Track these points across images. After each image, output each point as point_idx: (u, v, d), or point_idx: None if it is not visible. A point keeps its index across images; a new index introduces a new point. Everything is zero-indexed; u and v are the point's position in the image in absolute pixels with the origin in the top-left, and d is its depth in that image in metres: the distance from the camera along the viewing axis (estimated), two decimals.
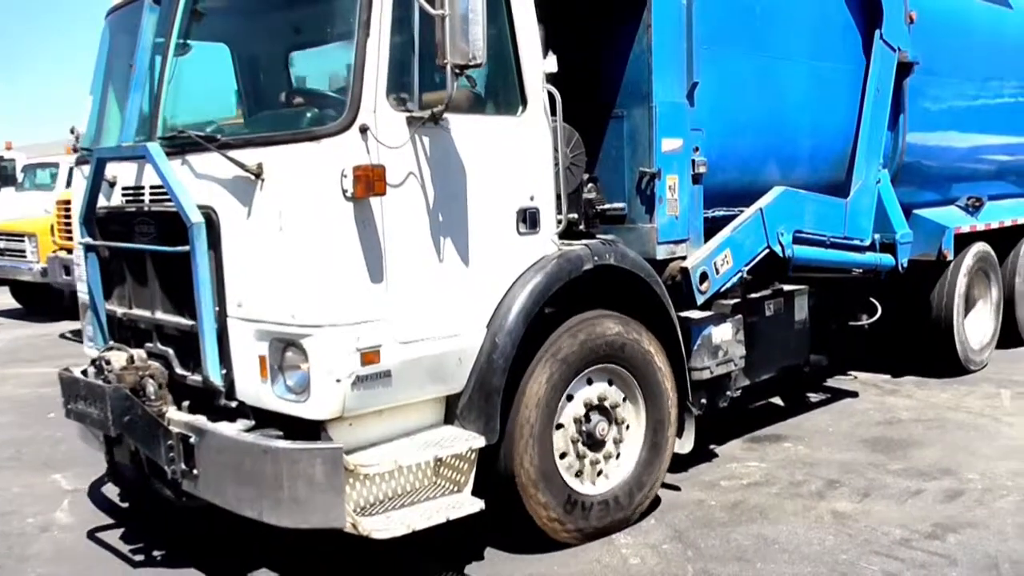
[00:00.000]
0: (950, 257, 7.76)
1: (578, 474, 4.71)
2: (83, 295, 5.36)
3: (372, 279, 3.86)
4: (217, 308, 4.11)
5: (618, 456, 4.88)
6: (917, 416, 6.91)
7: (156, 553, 4.76)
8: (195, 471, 4.15)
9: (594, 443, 4.75)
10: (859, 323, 7.36)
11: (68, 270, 11.01)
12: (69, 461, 6.39)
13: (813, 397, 7.53)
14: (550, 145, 4.54)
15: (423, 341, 4.06)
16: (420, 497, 4.13)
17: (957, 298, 7.99)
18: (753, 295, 6.02)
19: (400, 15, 3.89)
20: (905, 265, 7.07)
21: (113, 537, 5.02)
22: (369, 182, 3.74)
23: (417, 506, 4.07)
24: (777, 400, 7.37)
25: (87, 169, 5.05)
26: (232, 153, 3.92)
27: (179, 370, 4.42)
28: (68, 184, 15.43)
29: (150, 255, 4.50)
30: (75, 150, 5.44)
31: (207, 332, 4.10)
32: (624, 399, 4.89)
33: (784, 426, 6.73)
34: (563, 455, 4.64)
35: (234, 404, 4.15)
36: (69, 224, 11.02)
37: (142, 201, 4.54)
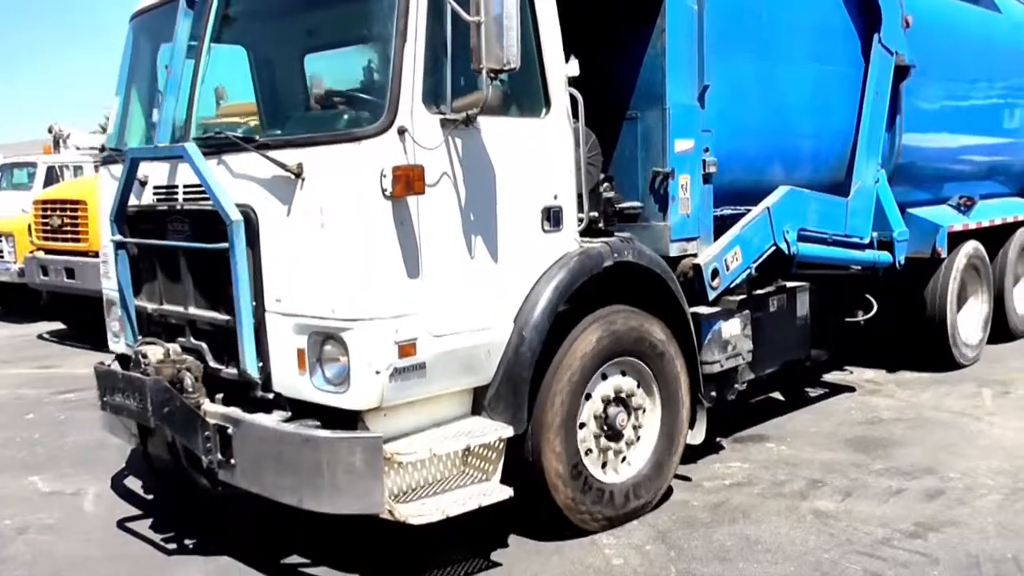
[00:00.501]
0: (944, 255, 7.99)
1: (602, 464, 4.88)
2: (110, 292, 5.51)
3: (409, 274, 4.02)
4: (255, 303, 4.25)
5: (636, 447, 5.06)
6: (899, 416, 6.95)
7: (188, 542, 4.89)
8: (232, 461, 4.29)
9: (614, 433, 4.92)
10: (855, 319, 7.57)
11: (45, 270, 11.01)
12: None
13: (812, 392, 7.72)
14: (572, 146, 4.71)
15: (455, 334, 4.22)
16: (451, 485, 4.28)
17: (950, 295, 8.21)
18: (758, 291, 6.19)
19: (433, 21, 4.04)
20: (902, 262, 7.29)
21: (143, 526, 5.15)
22: (408, 181, 3.90)
23: (449, 493, 4.23)
24: (777, 395, 7.55)
25: (115, 168, 5.21)
26: (271, 153, 4.07)
27: (212, 363, 4.56)
28: (46, 184, 15.41)
29: (184, 252, 4.63)
30: (103, 149, 5.55)
31: (245, 327, 4.24)
32: (640, 391, 5.06)
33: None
34: (585, 446, 4.81)
35: (271, 396, 4.29)
36: (47, 224, 11.04)
37: (175, 200, 4.67)
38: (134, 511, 5.40)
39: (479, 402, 4.50)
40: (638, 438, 5.06)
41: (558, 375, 4.59)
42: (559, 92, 4.61)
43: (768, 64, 6.06)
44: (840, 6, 6.75)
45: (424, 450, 4.11)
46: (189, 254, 4.62)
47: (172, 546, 4.86)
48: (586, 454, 4.79)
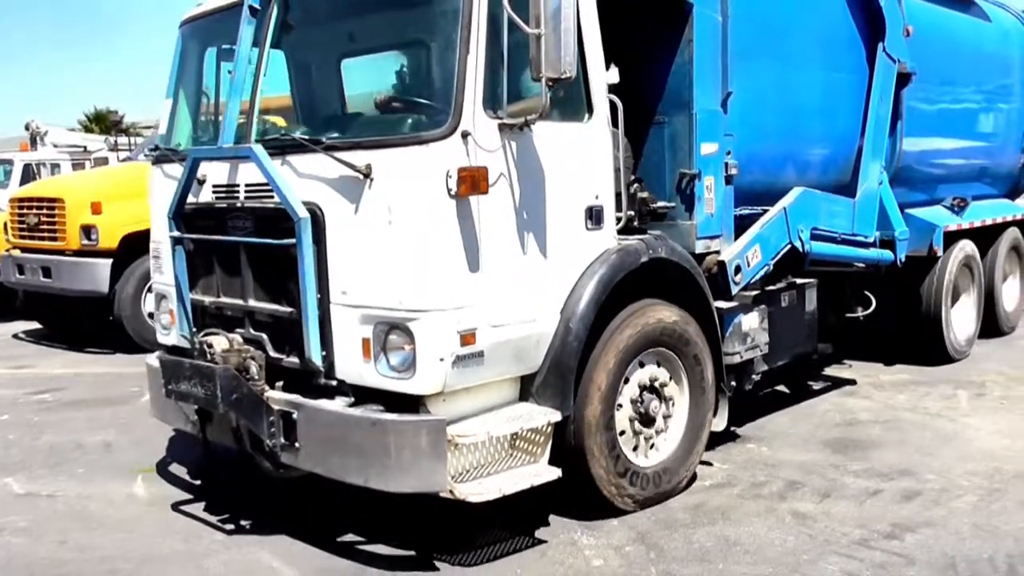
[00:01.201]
0: (940, 253, 8.38)
1: (634, 448, 5.20)
2: (161, 287, 5.76)
3: (470, 268, 4.31)
4: (319, 296, 4.52)
5: (666, 432, 5.37)
6: (876, 417, 7.01)
7: (244, 523, 5.15)
8: (296, 444, 4.56)
9: (647, 420, 5.23)
10: (855, 315, 7.92)
11: (21, 269, 10.96)
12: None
13: (815, 385, 8.07)
14: (611, 149, 5.01)
15: (509, 325, 4.52)
16: (502, 466, 4.58)
17: (946, 292, 8.61)
18: (770, 287, 6.52)
19: (492, 32, 4.33)
20: (903, 260, 7.67)
21: (196, 508, 5.40)
22: (474, 182, 4.20)
23: (502, 474, 4.53)
24: (783, 388, 7.89)
25: (168, 167, 5.47)
26: (340, 155, 4.34)
27: (273, 353, 4.82)
28: (23, 181, 15.41)
29: (245, 247, 4.89)
30: (155, 149, 5.78)
31: (310, 318, 4.51)
32: (670, 380, 5.38)
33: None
34: (621, 431, 5.11)
35: (334, 383, 4.56)
36: (23, 222, 11.01)
37: (235, 198, 4.93)
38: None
39: (526, 389, 4.79)
40: (667, 425, 5.38)
41: (599, 364, 4.89)
42: (601, 98, 4.91)
43: (784, 71, 6.40)
44: (848, 17, 7.10)
45: (482, 433, 4.40)
46: (250, 249, 4.87)
47: (230, 526, 5.11)
48: (621, 436, 5.09)
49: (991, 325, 9.74)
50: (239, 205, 4.92)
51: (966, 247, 9.00)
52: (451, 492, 4.33)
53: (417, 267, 4.25)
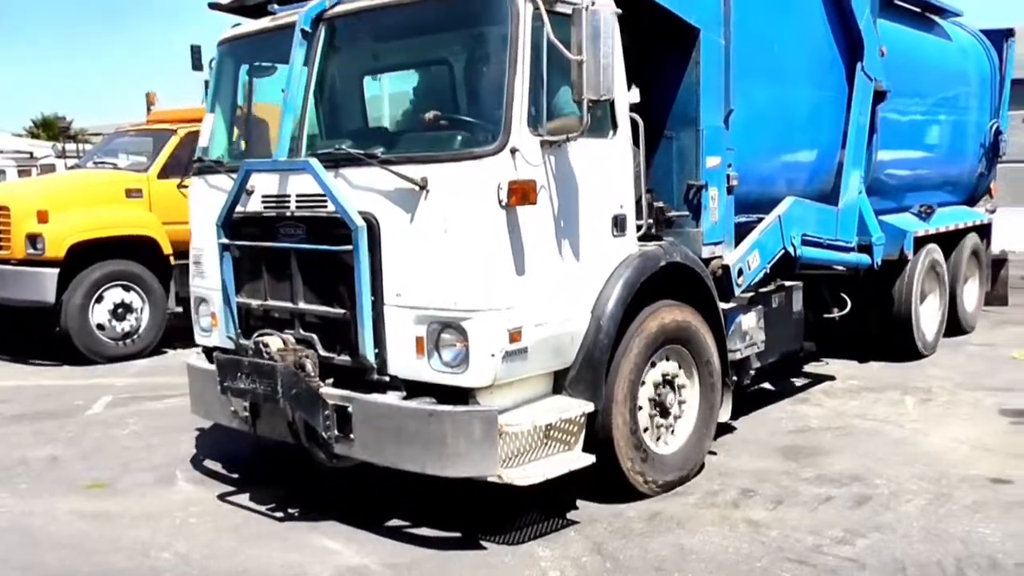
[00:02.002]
0: (910, 257, 8.99)
1: (656, 438, 5.65)
2: (201, 291, 6.11)
3: (517, 272, 4.74)
4: (373, 298, 4.91)
5: (679, 422, 5.83)
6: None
7: (292, 511, 5.50)
8: (351, 435, 4.94)
9: (663, 410, 5.70)
10: (832, 315, 8.48)
11: None
12: None
13: (797, 382, 8.61)
14: (632, 162, 5.47)
15: (549, 323, 4.95)
16: (540, 454, 4.99)
17: (915, 293, 9.24)
18: (763, 290, 7.03)
19: (535, 58, 4.76)
20: (880, 263, 8.25)
21: (246, 499, 5.75)
22: (524, 193, 4.63)
23: (542, 460, 4.95)
24: (767, 385, 8.41)
25: (211, 178, 5.83)
26: (396, 168, 4.74)
27: (323, 352, 5.19)
28: None
29: (295, 253, 5.25)
30: (199, 160, 6.11)
31: (365, 318, 4.90)
32: (682, 374, 5.85)
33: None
34: (643, 423, 5.56)
35: (387, 379, 4.95)
36: None
37: (286, 207, 5.29)
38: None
39: (559, 383, 5.22)
40: (681, 415, 5.84)
41: (624, 360, 5.34)
42: (624, 117, 5.37)
43: (777, 90, 6.92)
44: (830, 39, 7.65)
45: (528, 422, 4.83)
46: (301, 255, 5.24)
47: (279, 514, 5.47)
48: (642, 426, 5.54)
49: (953, 324, 10.41)
50: (289, 214, 5.28)
51: (932, 251, 9.64)
52: (499, 477, 4.74)
53: (471, 271, 4.66)
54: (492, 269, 4.67)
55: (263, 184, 5.42)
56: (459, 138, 4.92)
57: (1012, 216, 13.29)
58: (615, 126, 5.33)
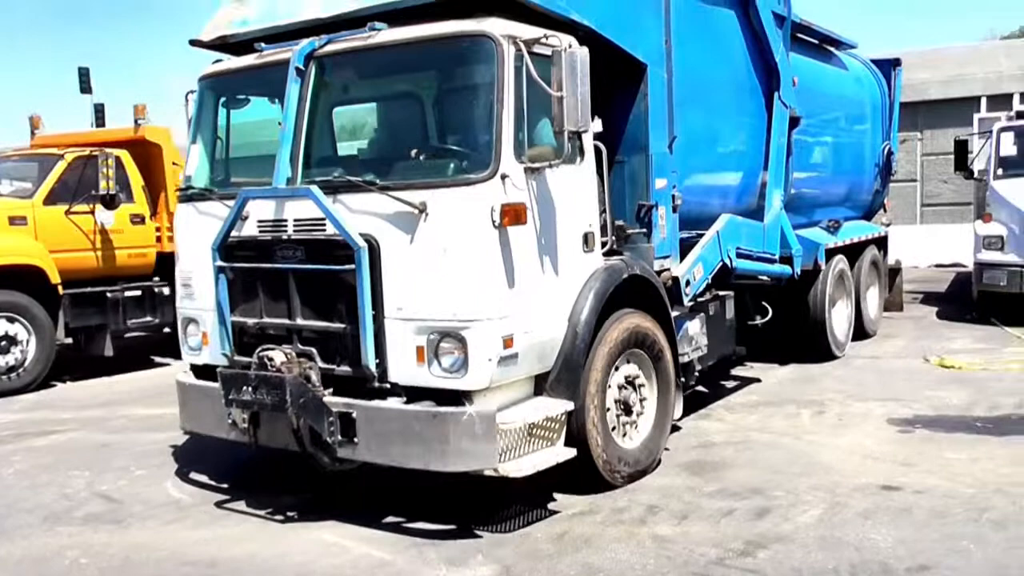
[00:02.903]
0: (823, 267, 9.88)
1: (622, 435, 6.24)
2: (192, 312, 6.44)
3: (508, 285, 5.28)
4: (374, 312, 5.37)
5: (640, 420, 6.44)
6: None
7: (290, 513, 5.89)
8: (355, 439, 5.38)
9: (627, 409, 6.30)
10: (755, 322, 9.27)
11: None
12: None
13: (727, 384, 9.36)
14: (596, 185, 6.08)
15: (535, 331, 5.50)
16: (526, 449, 5.50)
17: (827, 300, 10.13)
18: (701, 299, 7.73)
19: (518, 94, 5.33)
20: (799, 273, 9.09)
21: (243, 506, 6.11)
22: (516, 215, 5.19)
23: (531, 455, 5.48)
24: (702, 388, 9.12)
25: (201, 205, 6.21)
26: (396, 194, 5.23)
27: (322, 364, 5.62)
28: None
29: (293, 273, 5.67)
30: (186, 189, 6.46)
31: (366, 331, 5.35)
32: (642, 376, 6.46)
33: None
34: (610, 420, 6.14)
35: (388, 386, 5.41)
36: None
37: (283, 231, 5.71)
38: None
39: (539, 386, 5.77)
40: (643, 412, 6.45)
41: (595, 363, 5.91)
42: (589, 145, 5.98)
43: (709, 117, 7.68)
44: (751, 70, 8.46)
45: (519, 420, 5.36)
46: (299, 275, 5.66)
47: (279, 517, 5.85)
48: (611, 427, 6.13)
49: (859, 329, 11.38)
50: (286, 238, 5.70)
51: (840, 262, 10.58)
52: (495, 470, 5.25)
53: (468, 285, 5.18)
54: (487, 283, 5.20)
55: (258, 210, 5.82)
56: (452, 166, 5.44)
57: (895, 232, 14.47)
58: (582, 153, 5.92)
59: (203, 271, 6.18)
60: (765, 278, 8.81)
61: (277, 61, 5.88)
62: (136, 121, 12.11)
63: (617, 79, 6.66)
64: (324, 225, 5.48)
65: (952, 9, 75.13)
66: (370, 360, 5.38)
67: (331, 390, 5.57)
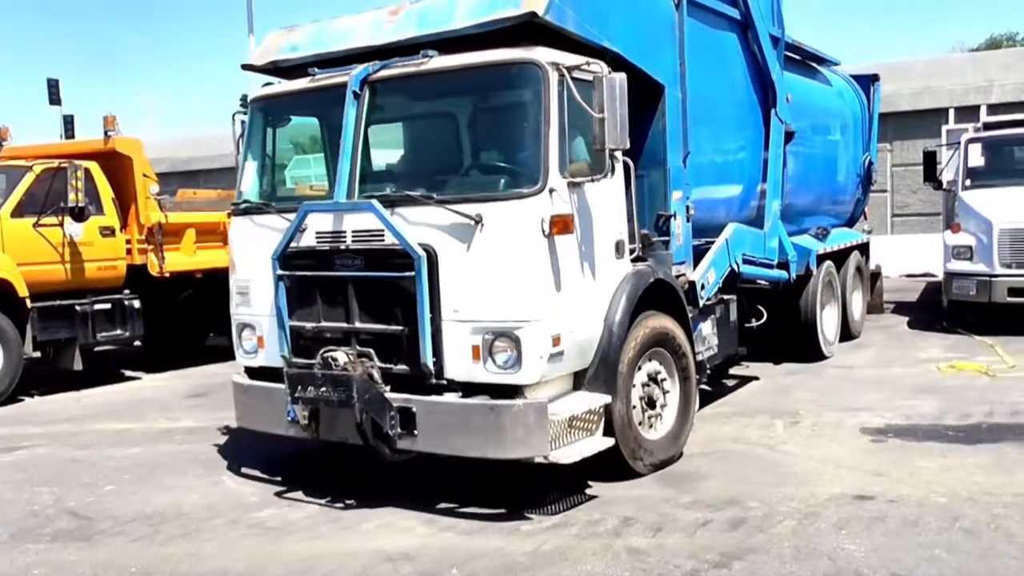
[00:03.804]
0: (814, 272, 10.53)
1: (649, 427, 6.79)
2: (247, 318, 6.91)
3: (556, 288, 5.82)
4: (431, 315, 5.88)
5: (664, 413, 6.98)
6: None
7: (348, 501, 6.36)
8: (414, 432, 5.88)
9: (651, 403, 6.84)
10: (751, 324, 9.89)
11: None
12: None
13: (728, 383, 9.95)
14: (624, 197, 6.64)
15: (578, 330, 6.04)
16: (571, 439, 6.02)
17: (818, 303, 10.79)
18: (709, 302, 8.32)
19: (561, 114, 5.88)
20: (795, 278, 9.72)
21: (300, 495, 6.59)
22: (565, 225, 5.75)
23: (574, 444, 6.00)
24: (705, 386, 9.67)
25: (258, 218, 6.69)
26: (453, 207, 5.75)
27: (379, 363, 6.11)
28: None
29: (352, 280, 6.16)
30: (240, 203, 6.93)
31: (425, 332, 5.86)
32: (665, 373, 7.01)
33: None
34: (637, 413, 6.69)
35: (444, 382, 5.92)
36: None
37: (341, 242, 6.19)
38: None
39: (577, 382, 6.30)
40: (666, 405, 7.00)
41: (625, 360, 6.45)
42: (619, 160, 6.53)
43: (716, 133, 8.29)
44: (751, 88, 9.10)
45: (566, 412, 5.89)
46: (357, 281, 6.15)
47: (339, 505, 6.32)
48: (639, 421, 6.66)
49: (845, 330, 12.06)
50: (344, 248, 6.19)
51: (829, 267, 11.26)
52: (545, 457, 5.78)
53: (521, 289, 5.71)
54: (538, 287, 5.73)
55: (317, 222, 6.31)
56: (503, 181, 5.97)
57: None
58: (613, 168, 6.47)
59: (260, 279, 6.66)
60: (764, 282, 9.43)
61: (332, 85, 6.38)
62: (106, 133, 11.90)
63: (639, 99, 7.21)
64: (382, 236, 5.98)
65: (920, 21, 77.19)
66: (428, 359, 5.89)
67: (388, 387, 6.07)
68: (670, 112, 7.31)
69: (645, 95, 7.23)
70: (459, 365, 5.90)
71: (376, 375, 5.99)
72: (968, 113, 19.55)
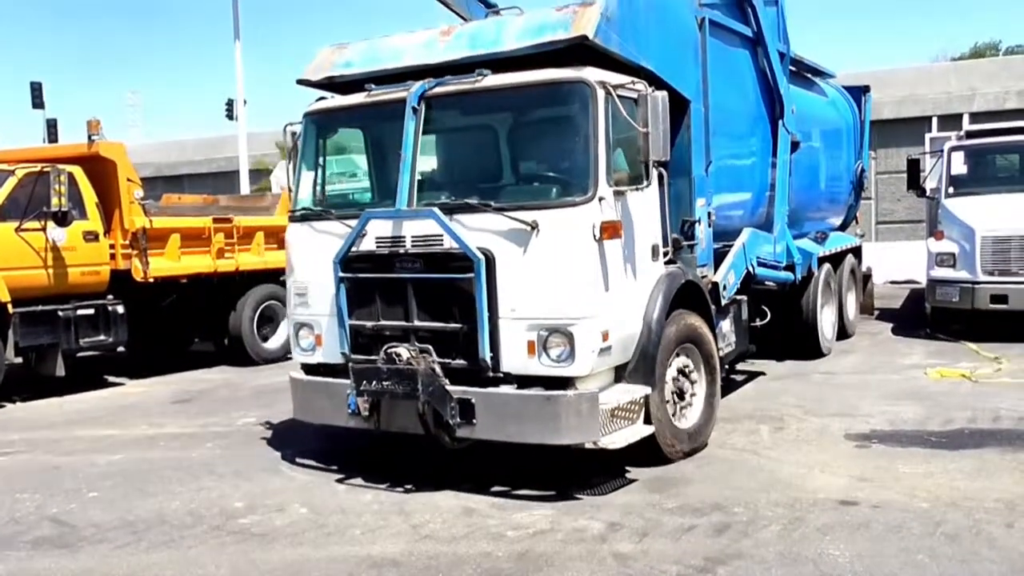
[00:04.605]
0: (815, 273, 11.14)
1: (678, 417, 7.33)
2: (305, 317, 7.37)
3: (605, 288, 6.36)
4: (489, 313, 6.38)
5: (692, 403, 7.53)
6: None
7: (407, 485, 6.83)
8: (473, 421, 6.39)
9: (681, 395, 7.40)
10: (755, 324, 10.46)
11: None
12: None
13: (737, 378, 10.53)
14: (659, 205, 7.19)
15: (622, 327, 6.58)
16: (615, 427, 6.55)
17: (818, 303, 11.42)
18: (726, 303, 8.88)
19: (606, 129, 6.41)
20: (799, 279, 10.33)
21: (360, 481, 7.05)
22: (615, 230, 6.28)
23: (619, 431, 6.53)
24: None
25: (317, 224, 7.16)
26: (510, 214, 6.27)
27: (438, 359, 6.61)
28: None
29: (411, 281, 6.65)
30: (296, 210, 7.40)
31: (483, 329, 6.36)
32: (693, 367, 7.56)
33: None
34: (669, 405, 7.23)
35: (501, 375, 6.43)
36: None
37: (400, 246, 6.68)
38: None
39: (618, 375, 6.83)
40: (695, 396, 7.55)
41: (660, 354, 7.00)
42: (654, 171, 7.06)
43: (734, 143, 8.87)
44: (760, 101, 9.69)
45: (613, 402, 6.42)
46: (417, 283, 6.64)
47: (399, 488, 6.79)
48: (671, 413, 7.21)
49: (840, 329, 12.69)
50: (403, 251, 6.68)
51: (827, 269, 11.88)
52: (595, 443, 6.31)
53: (574, 288, 6.23)
54: (590, 287, 6.27)
55: (376, 228, 6.79)
56: (556, 190, 6.50)
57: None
58: (649, 178, 7.00)
59: (319, 281, 7.13)
60: (771, 284, 10.02)
61: (390, 100, 6.88)
62: (90, 137, 11.78)
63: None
64: (441, 240, 6.48)
65: (904, 31, 78.49)
66: (486, 353, 6.40)
67: (447, 380, 6.57)
68: (695, 125, 7.87)
69: (672, 109, 7.75)
70: (515, 359, 6.41)
71: (438, 368, 6.48)
72: (951, 121, 20.04)
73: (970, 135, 14.42)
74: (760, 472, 6.90)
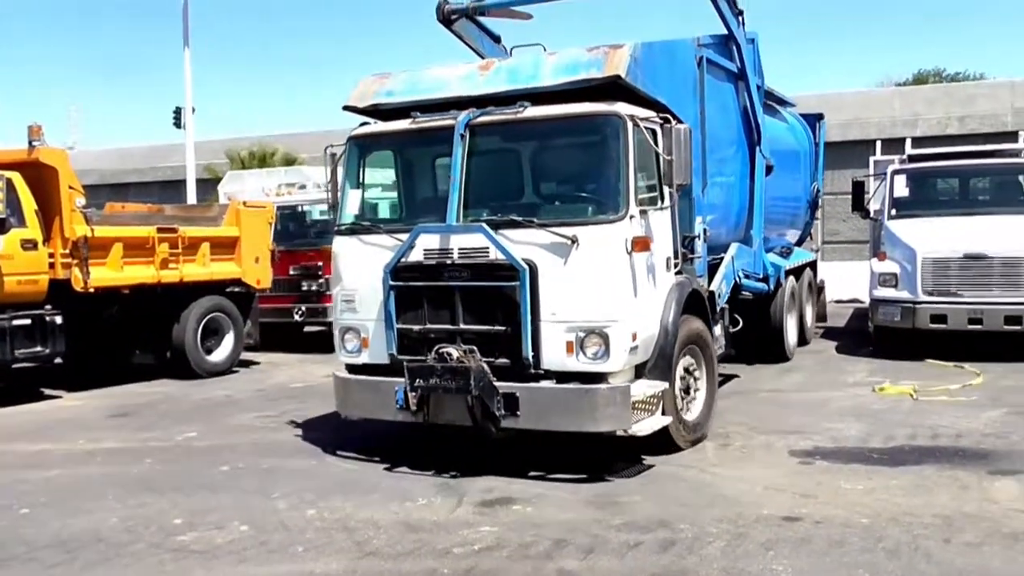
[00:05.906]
0: (783, 285, 12.25)
1: (685, 410, 8.28)
2: (352, 322, 8.12)
3: (634, 295, 7.28)
4: (531, 317, 7.24)
5: (696, 397, 8.48)
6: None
7: (452, 472, 7.59)
8: (517, 413, 7.23)
9: (687, 390, 8.34)
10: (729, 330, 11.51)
11: None
12: None
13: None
14: (671, 222, 8.14)
15: (646, 329, 7.51)
16: (640, 417, 7.44)
17: (785, 311, 12.53)
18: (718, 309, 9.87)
19: (635, 156, 7.34)
20: (772, 290, 11.41)
21: (406, 469, 7.78)
22: (646, 245, 7.20)
23: (644, 420, 7.43)
24: None
25: (365, 237, 7.96)
26: (553, 229, 7.15)
27: (482, 358, 7.43)
28: None
29: (459, 289, 7.47)
30: (342, 224, 8.17)
31: (526, 331, 7.22)
32: (696, 366, 8.52)
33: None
34: (678, 399, 8.17)
35: (542, 372, 7.29)
36: None
37: (448, 258, 7.50)
38: None
39: (638, 372, 7.74)
40: (699, 390, 8.51)
41: (675, 353, 7.93)
42: (667, 192, 8.02)
43: (721, 166, 9.89)
44: (741, 129, 10.75)
45: (640, 394, 7.33)
46: (464, 290, 7.45)
47: (445, 475, 7.55)
48: (679, 408, 8.15)
49: (801, 336, 13.84)
50: (450, 263, 7.50)
51: (792, 281, 13.01)
52: (625, 430, 7.20)
53: (609, 295, 7.14)
54: (623, 293, 7.19)
55: (425, 241, 7.60)
56: (591, 208, 7.42)
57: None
58: (663, 198, 7.95)
59: (367, 289, 7.91)
60: (748, 294, 11.07)
61: (436, 128, 7.71)
62: (31, 142, 11.44)
63: None
64: (487, 252, 7.32)
65: (850, 54, 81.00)
66: (529, 352, 7.25)
67: (494, 377, 7.39)
68: (694, 151, 8.83)
69: None
70: (554, 357, 7.28)
71: (485, 367, 7.31)
72: (895, 145, 20.35)
73: (912, 159, 14.94)
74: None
